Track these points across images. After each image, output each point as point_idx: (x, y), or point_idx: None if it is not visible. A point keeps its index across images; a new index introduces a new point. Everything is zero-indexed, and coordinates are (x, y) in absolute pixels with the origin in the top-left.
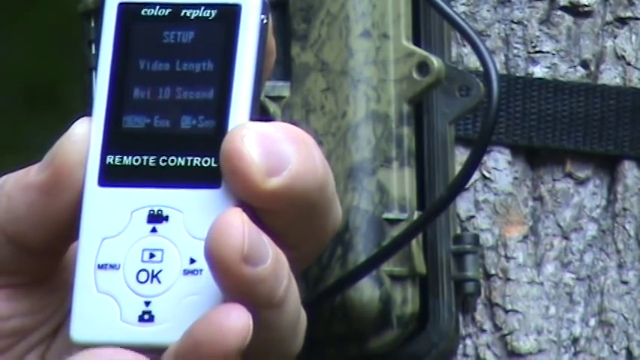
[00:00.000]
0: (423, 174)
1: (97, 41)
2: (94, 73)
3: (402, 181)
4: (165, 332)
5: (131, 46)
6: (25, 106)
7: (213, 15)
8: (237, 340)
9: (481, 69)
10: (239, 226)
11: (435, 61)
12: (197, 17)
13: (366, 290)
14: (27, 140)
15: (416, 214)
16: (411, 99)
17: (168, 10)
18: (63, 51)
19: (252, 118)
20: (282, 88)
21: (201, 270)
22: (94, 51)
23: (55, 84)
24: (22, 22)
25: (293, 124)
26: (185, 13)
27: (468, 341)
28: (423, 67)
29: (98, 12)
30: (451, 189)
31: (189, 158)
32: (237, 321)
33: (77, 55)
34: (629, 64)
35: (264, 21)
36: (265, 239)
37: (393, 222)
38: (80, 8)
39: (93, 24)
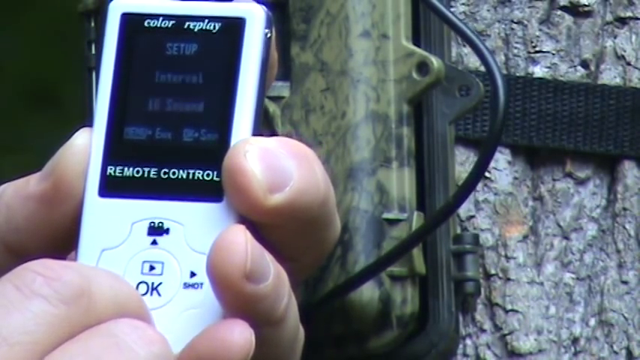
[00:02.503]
0: (422, 174)
1: (97, 42)
2: (94, 77)
3: (401, 182)
4: None
5: (134, 57)
6: (26, 106)
7: (217, 28)
8: (240, 355)
9: (481, 69)
10: (242, 243)
11: (435, 61)
12: (201, 30)
13: (366, 290)
14: (27, 141)
15: (415, 215)
16: (410, 99)
17: (172, 22)
18: (63, 51)
19: (255, 133)
20: (282, 88)
21: (201, 284)
22: (93, 51)
23: (55, 84)
24: (22, 22)
25: (293, 125)
26: (189, 25)
27: (468, 341)
28: (423, 67)
29: (98, 12)
30: (457, 195)
31: (191, 171)
32: (241, 336)
33: (77, 55)
34: (629, 64)
35: (268, 35)
36: (267, 256)
37: (393, 222)
38: (80, 8)
39: (93, 24)
